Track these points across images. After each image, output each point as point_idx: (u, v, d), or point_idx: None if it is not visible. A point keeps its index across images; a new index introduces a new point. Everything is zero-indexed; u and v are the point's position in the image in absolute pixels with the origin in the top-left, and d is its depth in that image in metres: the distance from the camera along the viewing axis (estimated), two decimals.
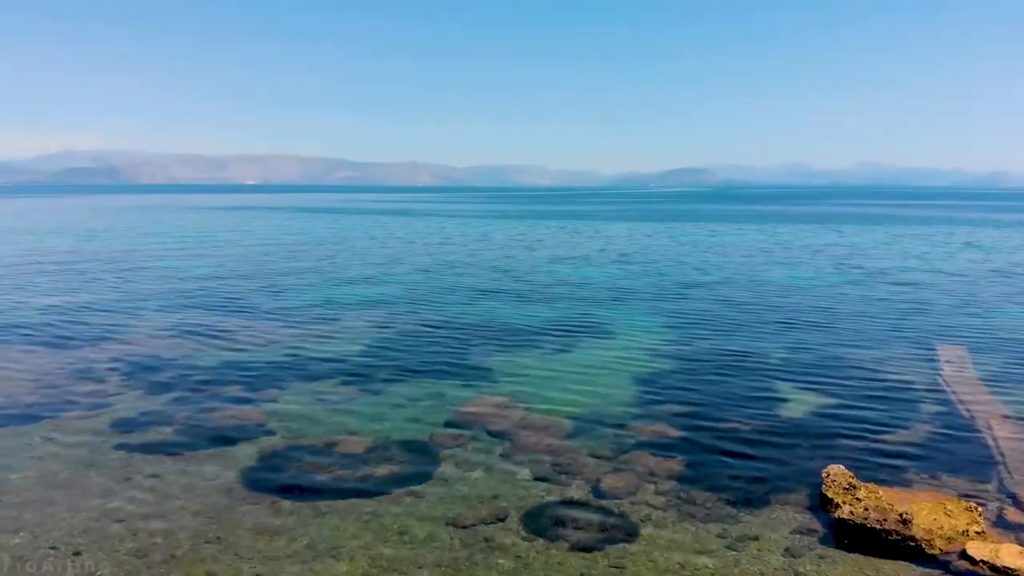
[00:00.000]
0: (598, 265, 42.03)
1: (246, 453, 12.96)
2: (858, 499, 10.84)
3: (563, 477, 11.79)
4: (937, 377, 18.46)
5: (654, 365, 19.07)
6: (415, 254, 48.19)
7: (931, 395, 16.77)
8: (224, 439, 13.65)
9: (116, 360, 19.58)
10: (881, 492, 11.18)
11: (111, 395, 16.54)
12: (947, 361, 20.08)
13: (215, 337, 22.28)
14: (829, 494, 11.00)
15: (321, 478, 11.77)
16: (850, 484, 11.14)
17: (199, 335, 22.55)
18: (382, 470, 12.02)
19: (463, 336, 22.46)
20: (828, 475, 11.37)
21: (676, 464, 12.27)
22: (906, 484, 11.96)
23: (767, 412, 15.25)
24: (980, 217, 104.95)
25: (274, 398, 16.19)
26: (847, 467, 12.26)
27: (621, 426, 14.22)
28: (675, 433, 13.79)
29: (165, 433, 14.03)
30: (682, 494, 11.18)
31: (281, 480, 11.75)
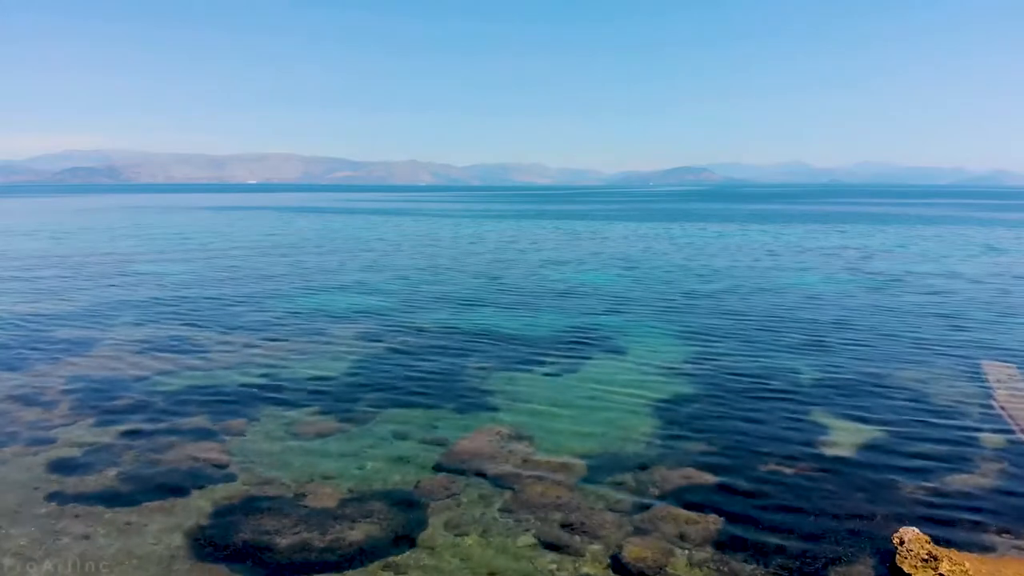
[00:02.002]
0: (601, 270, 39.98)
1: (198, 507, 10.90)
2: (942, 575, 8.81)
3: (576, 541, 9.73)
4: (990, 400, 16.43)
5: (672, 388, 17.01)
6: (409, 258, 46.09)
7: (989, 423, 14.73)
8: (175, 487, 11.59)
9: (71, 380, 17.54)
10: (967, 563, 9.13)
11: (57, 426, 14.48)
12: (997, 381, 18.04)
13: (185, 352, 20.23)
14: (906, 568, 8.94)
15: (283, 543, 9.70)
16: (929, 555, 9.07)
17: (168, 350, 20.50)
18: (357, 532, 9.95)
19: (459, 351, 20.41)
20: (902, 542, 9.30)
21: (711, 523, 10.20)
22: (988, 547, 9.90)
23: (809, 449, 13.18)
24: (988, 217, 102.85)
25: (241, 430, 14.13)
26: (913, 520, 10.27)
27: (642, 468, 12.16)
28: (706, 479, 11.72)
29: (108, 478, 11.98)
30: (722, 567, 9.12)
31: (235, 545, 9.68)
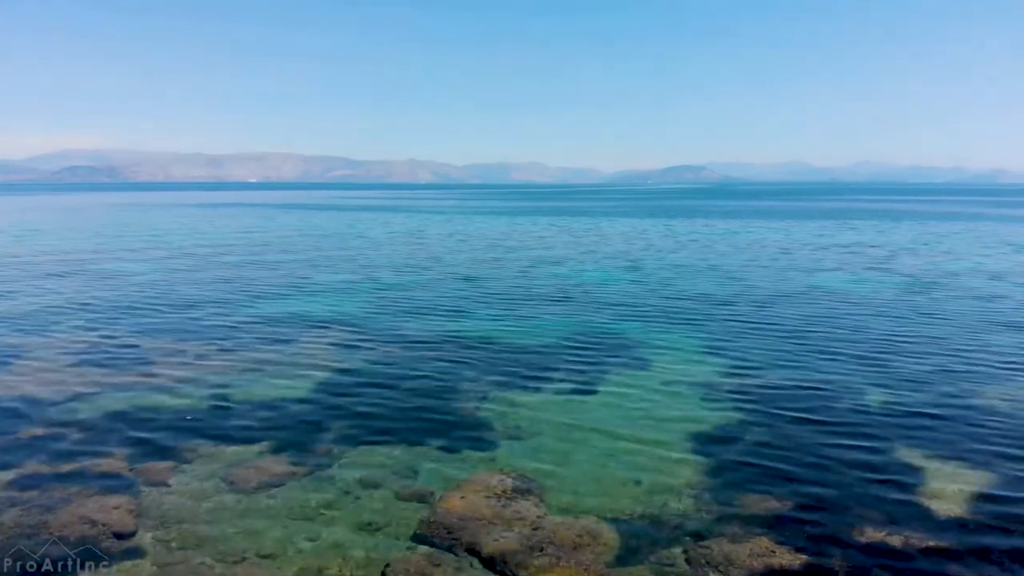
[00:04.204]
0: (605, 270, 36.70)
1: None
2: None
3: None
4: None
5: (712, 416, 13.78)
6: (393, 258, 42.14)
7: None
8: (56, 569, 8.37)
9: None
10: None
11: None
12: None
13: (124, 367, 16.96)
14: None
15: None
16: None
17: (105, 364, 17.24)
18: None
19: (447, 367, 17.12)
20: None
21: None
22: None
23: (910, 506, 9.96)
24: (1000, 214, 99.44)
25: (164, 478, 10.89)
26: None
27: (696, 540, 8.93)
28: (788, 560, 8.47)
29: None
30: None
31: None
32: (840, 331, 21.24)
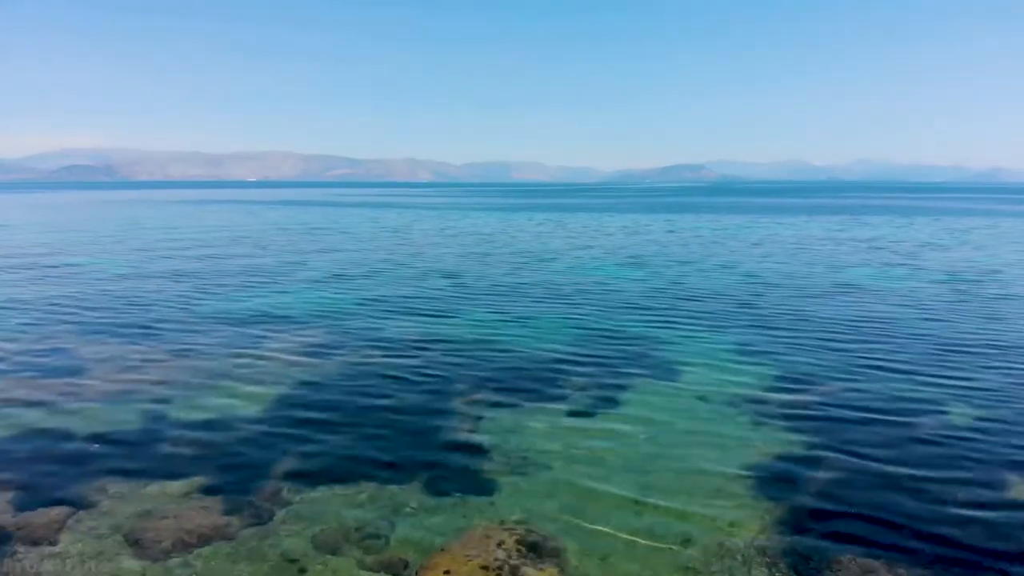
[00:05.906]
0: (615, 267, 33.83)
1: None
2: None
3: None
4: None
5: (769, 441, 10.98)
6: (380, 255, 38.74)
7: None
8: None
9: None
10: None
11: None
12: None
13: (50, 377, 14.12)
14: None
15: None
16: None
17: (27, 371, 14.44)
18: None
19: (434, 382, 14.22)
20: None
21: None
22: None
23: None
24: (1013, 210, 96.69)
25: (50, 533, 8.10)
26: None
27: None
28: None
29: None
30: None
31: None
32: (893, 336, 18.39)
